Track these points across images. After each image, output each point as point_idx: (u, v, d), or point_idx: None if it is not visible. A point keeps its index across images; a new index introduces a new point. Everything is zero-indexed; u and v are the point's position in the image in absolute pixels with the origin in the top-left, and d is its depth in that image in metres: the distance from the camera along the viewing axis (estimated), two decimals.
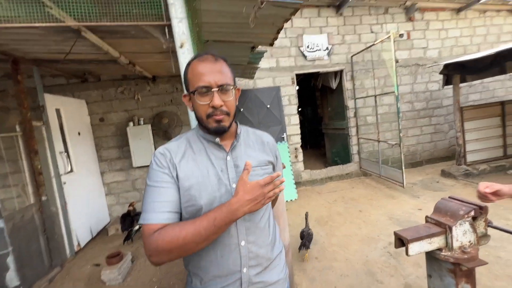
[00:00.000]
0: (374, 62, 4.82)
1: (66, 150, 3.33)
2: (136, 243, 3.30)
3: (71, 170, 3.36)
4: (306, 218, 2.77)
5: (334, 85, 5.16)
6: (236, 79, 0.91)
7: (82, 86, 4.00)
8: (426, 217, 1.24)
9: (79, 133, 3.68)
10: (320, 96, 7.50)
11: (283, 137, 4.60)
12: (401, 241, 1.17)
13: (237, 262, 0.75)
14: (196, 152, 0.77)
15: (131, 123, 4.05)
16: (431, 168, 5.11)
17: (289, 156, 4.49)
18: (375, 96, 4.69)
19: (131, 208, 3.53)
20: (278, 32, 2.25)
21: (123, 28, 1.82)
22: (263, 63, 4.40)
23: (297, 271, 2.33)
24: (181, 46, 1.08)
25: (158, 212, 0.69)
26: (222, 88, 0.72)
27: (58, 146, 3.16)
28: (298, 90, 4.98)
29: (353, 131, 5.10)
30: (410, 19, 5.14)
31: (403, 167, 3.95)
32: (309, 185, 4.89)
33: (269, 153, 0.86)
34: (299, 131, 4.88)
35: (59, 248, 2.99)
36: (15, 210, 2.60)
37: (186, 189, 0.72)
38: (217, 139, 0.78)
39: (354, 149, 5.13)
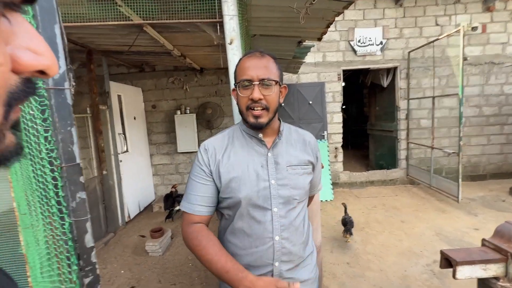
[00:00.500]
0: (436, 59, 4.29)
1: (124, 132, 3.76)
2: (176, 222, 3.61)
3: (127, 150, 3.79)
4: (345, 208, 2.82)
5: (385, 83, 4.76)
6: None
7: (139, 75, 4.42)
8: (483, 240, 1.10)
9: (134, 118, 4.11)
10: (368, 94, 6.99)
11: (324, 135, 4.44)
12: (448, 262, 1.06)
13: (270, 255, 0.77)
14: (238, 147, 0.81)
15: (178, 112, 4.36)
16: (497, 184, 4.42)
17: (328, 156, 4.34)
18: (433, 97, 4.19)
19: (173, 189, 3.84)
20: (328, 27, 2.15)
21: (179, 24, 1.95)
22: (308, 58, 4.26)
23: (327, 273, 2.29)
24: (231, 43, 1.12)
25: (193, 204, 0.78)
26: (263, 83, 0.73)
27: (118, 128, 3.59)
28: (343, 87, 4.73)
29: (402, 134, 4.67)
30: (488, 9, 4.40)
31: (460, 179, 3.50)
32: (347, 187, 4.68)
33: (310, 153, 0.86)
34: (341, 130, 4.66)
35: (113, 218, 3.44)
36: None
37: (227, 182, 0.77)
38: (260, 135, 0.80)
39: (402, 154, 4.71)
